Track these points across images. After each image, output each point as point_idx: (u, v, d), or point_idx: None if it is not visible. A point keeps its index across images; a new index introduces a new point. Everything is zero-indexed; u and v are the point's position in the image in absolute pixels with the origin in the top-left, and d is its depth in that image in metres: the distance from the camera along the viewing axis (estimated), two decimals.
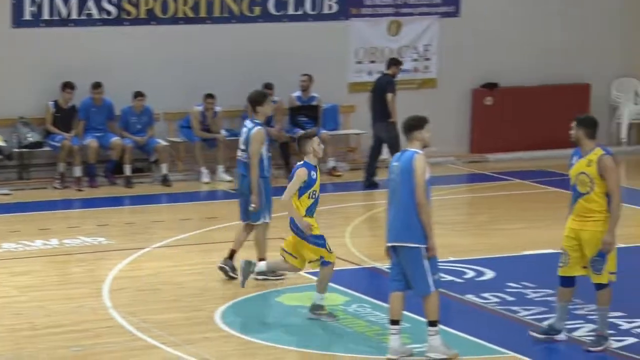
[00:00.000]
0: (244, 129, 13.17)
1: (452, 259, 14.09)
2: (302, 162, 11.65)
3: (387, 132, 18.15)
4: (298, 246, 11.81)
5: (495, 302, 12.37)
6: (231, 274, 13.14)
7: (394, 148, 17.00)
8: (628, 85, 21.73)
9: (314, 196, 11.79)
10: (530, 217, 16.70)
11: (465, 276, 13.49)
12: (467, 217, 15.59)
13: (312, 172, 11.63)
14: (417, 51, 20.85)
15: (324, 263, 11.81)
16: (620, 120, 21.46)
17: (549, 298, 12.45)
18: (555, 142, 20.07)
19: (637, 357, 10.74)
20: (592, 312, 11.78)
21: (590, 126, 10.75)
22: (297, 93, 19.79)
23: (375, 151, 18.61)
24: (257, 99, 13.17)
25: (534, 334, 11.19)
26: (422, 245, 10.20)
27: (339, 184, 19.34)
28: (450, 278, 13.36)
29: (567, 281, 10.92)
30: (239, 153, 13.22)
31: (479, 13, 20.90)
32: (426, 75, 20.44)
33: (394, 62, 18.85)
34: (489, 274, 13.47)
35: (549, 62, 21.28)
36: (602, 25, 21.51)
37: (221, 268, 13.23)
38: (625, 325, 11.60)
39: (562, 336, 11.13)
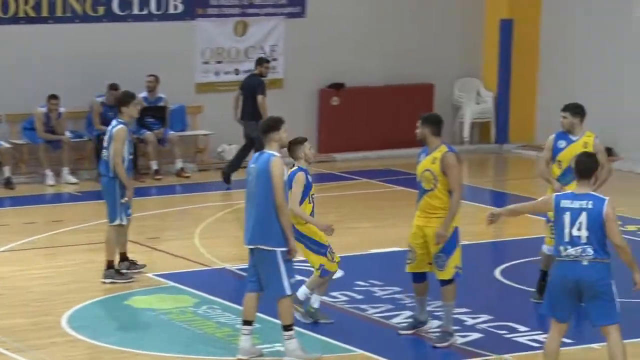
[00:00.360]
0: (109, 128, 13.21)
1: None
2: (296, 168, 11.39)
3: (258, 132, 18.10)
4: (304, 253, 11.62)
5: (344, 301, 12.48)
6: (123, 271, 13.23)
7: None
8: (470, 85, 22.12)
9: (312, 200, 11.64)
10: (377, 215, 16.90)
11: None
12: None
13: (308, 176, 11.48)
14: (263, 51, 20.86)
15: (324, 272, 11.62)
16: (462, 120, 21.81)
17: (396, 295, 12.65)
18: (401, 142, 20.34)
19: (482, 352, 10.94)
20: (438, 309, 11.99)
21: (435, 124, 10.98)
22: (144, 94, 19.57)
23: (245, 150, 18.52)
24: (122, 100, 13.32)
25: (403, 332, 11.38)
26: (278, 248, 10.24)
27: (188, 185, 19.22)
28: (299, 278, 13.44)
29: (417, 277, 11.14)
30: (103, 152, 13.17)
31: (325, 14, 21.02)
32: (273, 76, 20.43)
33: (261, 62, 18.88)
34: (338, 273, 13.56)
35: (394, 62, 21.54)
36: (444, 27, 21.86)
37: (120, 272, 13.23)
38: (470, 321, 11.79)
39: (429, 325, 11.37)
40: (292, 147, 11.49)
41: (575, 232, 9.19)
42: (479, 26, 22.13)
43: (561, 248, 9.25)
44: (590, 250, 9.17)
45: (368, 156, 21.09)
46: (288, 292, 10.31)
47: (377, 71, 21.48)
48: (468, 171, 19.95)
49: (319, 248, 11.65)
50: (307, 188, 11.45)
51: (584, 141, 11.98)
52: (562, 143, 12.26)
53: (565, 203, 9.27)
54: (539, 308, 9.62)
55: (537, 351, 10.90)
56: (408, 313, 11.95)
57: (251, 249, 10.39)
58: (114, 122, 13.16)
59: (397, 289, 12.82)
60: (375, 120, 21.16)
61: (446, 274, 10.90)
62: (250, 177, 10.41)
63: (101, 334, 11.47)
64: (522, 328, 11.52)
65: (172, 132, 19.76)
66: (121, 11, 19.86)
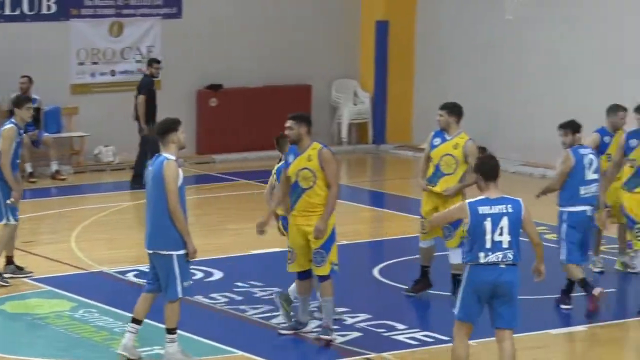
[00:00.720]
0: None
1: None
2: (283, 162, 11.34)
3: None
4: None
5: (224, 302, 12.46)
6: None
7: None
8: (347, 86, 22.25)
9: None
10: (257, 216, 16.79)
11: (194, 277, 13.47)
12: (196, 219, 15.61)
13: None
14: (140, 52, 20.74)
15: None
16: (340, 121, 21.94)
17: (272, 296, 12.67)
18: None
19: (361, 350, 10.99)
20: (317, 308, 12.05)
21: (309, 122, 11.08)
22: (16, 94, 19.26)
23: (141, 151, 18.36)
24: (15, 102, 13.48)
25: (284, 332, 11.40)
26: (174, 252, 10.18)
27: (64, 187, 18.97)
28: None
29: (301, 275, 11.17)
30: None
31: (202, 14, 20.97)
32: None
33: (151, 62, 18.83)
34: (218, 275, 13.55)
35: (272, 63, 21.58)
36: (321, 28, 21.96)
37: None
38: (349, 320, 11.84)
39: (310, 326, 11.39)
40: (280, 141, 11.69)
41: (497, 238, 9.14)
42: (355, 28, 22.27)
43: (481, 254, 9.14)
44: (510, 255, 9.15)
45: (247, 157, 21.10)
46: (179, 295, 10.26)
47: (255, 72, 21.48)
48: (347, 171, 20.09)
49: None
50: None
51: (455, 142, 12.13)
52: (437, 141, 12.43)
53: (484, 209, 9.15)
54: (456, 312, 9.47)
55: (415, 349, 11.06)
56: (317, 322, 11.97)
57: (149, 253, 10.34)
58: (6, 122, 13.12)
59: (276, 289, 12.81)
60: (253, 121, 21.15)
61: (324, 270, 10.97)
62: (147, 180, 10.38)
63: None
64: (400, 326, 11.62)
65: (46, 134, 19.49)
66: None
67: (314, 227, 10.82)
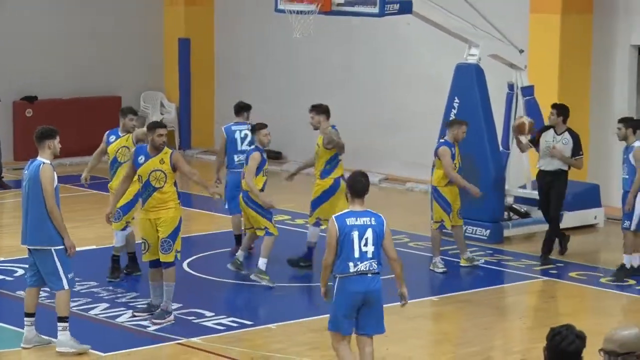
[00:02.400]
0: None
1: (2, 259, 13.81)
2: (254, 147, 12.89)
3: None
4: (252, 219, 12.79)
5: (45, 297, 12.25)
6: None
7: None
8: (154, 97, 22.17)
9: (265, 174, 12.87)
10: (76, 217, 16.62)
11: (16, 274, 13.24)
12: (17, 220, 15.37)
13: (263, 154, 12.69)
14: None
15: (268, 233, 12.69)
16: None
17: (93, 290, 12.53)
18: (90, 149, 20.08)
19: (173, 336, 10.97)
20: (132, 300, 11.99)
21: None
22: None
23: None
24: None
25: (138, 314, 11.50)
26: (53, 247, 10.24)
27: None
28: (1, 277, 13.10)
29: (153, 263, 11.35)
30: None
31: (14, 29, 20.55)
32: None
33: None
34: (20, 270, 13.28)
35: (84, 76, 21.31)
36: (129, 44, 21.81)
37: None
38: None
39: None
40: (255, 131, 12.96)
41: (363, 249, 8.83)
42: (160, 44, 22.21)
43: (350, 264, 8.82)
44: (375, 265, 8.86)
45: (62, 162, 20.72)
46: (66, 287, 10.33)
47: (68, 84, 21.18)
48: None
49: (266, 213, 12.72)
50: (261, 164, 12.72)
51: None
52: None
53: (351, 221, 8.85)
54: (329, 323, 9.13)
55: (222, 333, 11.13)
56: (105, 305, 11.93)
57: (29, 249, 10.42)
58: None
59: (93, 283, 12.72)
60: (67, 130, 20.59)
61: (170, 257, 11.20)
62: (24, 182, 10.45)
63: None
64: (208, 313, 11.68)
65: None
66: None
67: (162, 218, 11.19)
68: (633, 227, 13.05)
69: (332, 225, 8.89)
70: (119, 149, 12.86)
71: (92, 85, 21.40)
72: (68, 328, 10.43)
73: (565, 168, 14.06)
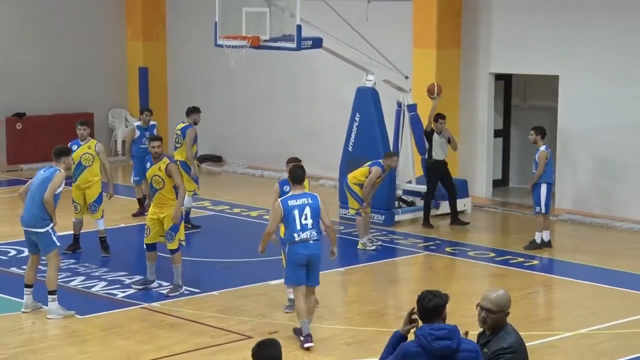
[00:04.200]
0: None
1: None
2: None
3: None
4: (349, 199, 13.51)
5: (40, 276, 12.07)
6: None
7: None
8: (120, 113, 21.87)
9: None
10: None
11: (9, 254, 13.03)
12: (11, 211, 15.14)
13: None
14: None
15: (358, 214, 13.40)
16: (116, 138, 21.62)
17: (72, 266, 12.37)
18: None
19: (137, 302, 10.94)
20: (104, 274, 11.87)
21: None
22: None
23: None
24: None
25: (136, 287, 11.35)
26: (48, 228, 10.25)
27: None
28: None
29: (150, 247, 11.26)
30: None
31: (6, 62, 20.19)
32: None
33: None
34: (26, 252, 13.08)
35: (62, 96, 20.98)
36: (100, 69, 21.53)
37: None
38: (127, 281, 11.72)
39: (155, 285, 11.36)
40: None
41: (303, 221, 9.13)
42: (124, 71, 21.98)
43: (295, 235, 9.16)
44: (314, 233, 9.19)
45: (45, 165, 20.39)
46: (57, 243, 10.35)
47: (51, 103, 20.82)
48: (121, 174, 19.73)
49: (359, 199, 13.19)
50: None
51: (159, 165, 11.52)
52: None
53: (292, 202, 9.17)
54: (285, 280, 9.55)
55: (176, 299, 11.04)
56: (82, 278, 11.76)
57: (27, 230, 10.35)
58: None
59: (72, 261, 12.54)
60: (49, 139, 20.32)
61: (174, 245, 11.10)
62: (35, 179, 10.45)
63: None
64: (165, 283, 11.55)
65: None
66: None
67: (166, 213, 11.03)
68: (543, 211, 13.28)
69: (277, 206, 9.23)
70: (82, 155, 12.71)
71: (69, 104, 21.09)
72: (57, 299, 10.31)
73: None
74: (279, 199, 9.38)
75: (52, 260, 10.31)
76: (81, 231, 13.09)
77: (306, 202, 9.22)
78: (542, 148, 13.32)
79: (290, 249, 9.26)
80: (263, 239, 9.47)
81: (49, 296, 10.30)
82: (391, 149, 15.38)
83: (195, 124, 14.58)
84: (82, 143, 12.83)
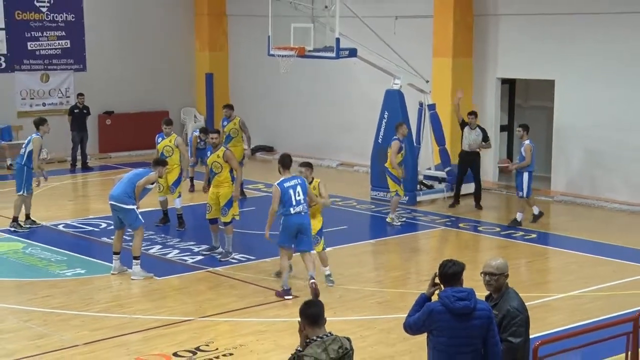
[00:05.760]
0: (29, 137, 13.02)
1: (92, 217, 13.75)
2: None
3: None
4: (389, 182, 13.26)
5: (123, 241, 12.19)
6: None
7: None
8: (190, 112, 22.01)
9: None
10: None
11: (101, 226, 13.17)
12: (101, 192, 15.23)
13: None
14: (61, 92, 19.98)
15: (397, 194, 13.25)
16: (187, 132, 21.71)
17: (151, 236, 12.44)
18: (147, 145, 20.13)
19: (204, 267, 10.97)
20: (177, 243, 11.91)
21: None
22: None
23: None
24: (38, 122, 12.99)
25: (204, 252, 11.40)
26: (133, 206, 10.29)
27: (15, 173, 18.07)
28: (91, 229, 13.04)
29: (212, 221, 11.35)
30: (21, 150, 13.00)
31: (98, 67, 20.39)
32: (66, 107, 19.58)
33: (78, 96, 18.25)
34: (104, 224, 13.21)
35: (143, 97, 21.15)
36: (174, 75, 21.66)
37: None
38: (195, 249, 11.78)
39: (220, 250, 11.40)
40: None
41: (297, 198, 9.43)
42: (194, 76, 22.07)
43: (291, 209, 9.42)
44: (305, 207, 9.52)
45: (131, 154, 20.62)
46: (142, 220, 10.31)
47: (134, 103, 21.00)
48: None
49: (397, 180, 13.06)
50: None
51: (218, 153, 11.59)
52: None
53: (287, 184, 9.47)
54: (278, 242, 9.72)
55: (234, 265, 11.07)
56: (159, 247, 11.84)
57: (114, 205, 10.32)
58: (33, 135, 12.79)
59: (151, 232, 12.61)
60: (134, 133, 20.69)
61: (227, 218, 11.15)
62: (129, 173, 10.50)
63: None
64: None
65: (3, 142, 18.59)
66: None
67: (222, 193, 11.10)
68: (525, 195, 13.15)
69: (276, 189, 9.45)
70: (164, 147, 12.86)
71: (149, 103, 21.25)
72: (140, 264, 10.36)
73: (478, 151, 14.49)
74: (276, 183, 9.55)
75: (138, 233, 10.33)
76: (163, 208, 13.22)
77: (297, 182, 9.50)
78: (527, 142, 13.11)
79: (285, 220, 9.48)
80: (269, 219, 9.51)
81: (133, 261, 10.37)
82: (414, 140, 15.31)
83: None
84: (165, 137, 12.99)
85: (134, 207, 10.30)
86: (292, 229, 9.50)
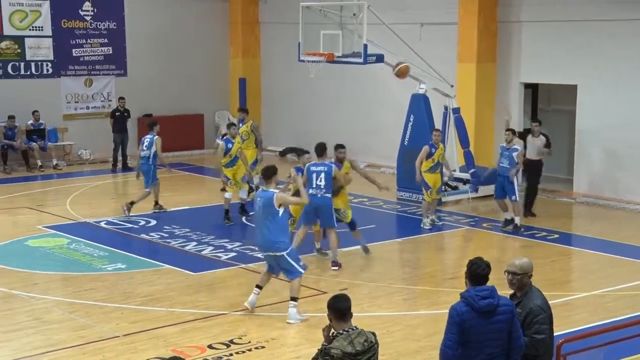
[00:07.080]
0: (148, 137, 13.64)
1: (133, 214, 13.80)
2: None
3: None
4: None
5: (158, 237, 12.23)
6: None
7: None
8: (224, 114, 22.06)
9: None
10: (193, 189, 16.53)
11: (140, 224, 13.25)
12: (139, 191, 15.34)
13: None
14: (103, 96, 20.16)
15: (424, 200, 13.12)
16: (221, 134, 21.79)
17: (187, 234, 12.47)
18: (184, 146, 20.29)
19: (236, 263, 10.97)
20: (212, 240, 11.88)
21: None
22: (31, 121, 18.61)
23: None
24: (151, 124, 13.83)
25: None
26: (284, 252, 8.51)
27: (61, 174, 18.28)
28: (130, 225, 13.12)
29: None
30: (145, 151, 13.61)
31: (137, 74, 20.53)
32: (109, 110, 19.77)
33: (119, 99, 18.65)
34: (153, 222, 13.28)
35: (180, 101, 21.26)
36: (209, 80, 21.74)
37: None
38: (229, 246, 11.76)
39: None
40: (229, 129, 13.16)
41: (317, 183, 10.39)
42: (227, 81, 22.14)
43: (311, 190, 10.27)
44: (324, 190, 10.39)
45: (168, 155, 20.62)
46: (301, 270, 8.59)
47: (171, 106, 21.12)
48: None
49: (426, 185, 12.94)
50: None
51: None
52: None
53: (313, 169, 10.47)
54: (301, 220, 10.59)
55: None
56: (194, 243, 11.84)
57: (266, 255, 8.65)
58: (150, 136, 13.52)
59: (187, 229, 12.59)
60: (173, 133, 20.79)
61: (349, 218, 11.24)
62: (256, 205, 8.56)
63: (12, 262, 10.86)
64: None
65: (50, 143, 18.81)
66: (13, 72, 18.70)
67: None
68: (518, 199, 12.95)
69: (306, 170, 10.45)
70: (243, 132, 14.29)
71: (185, 107, 21.34)
72: (296, 306, 8.66)
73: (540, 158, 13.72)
74: (307, 165, 10.51)
75: (297, 281, 8.61)
76: (209, 204, 13.36)
77: (322, 169, 10.37)
78: (520, 148, 12.68)
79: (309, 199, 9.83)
80: (300, 190, 9.25)
81: (290, 302, 8.67)
82: None
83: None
84: (243, 123, 14.23)
85: (286, 251, 8.50)
86: (309, 208, 10.24)
